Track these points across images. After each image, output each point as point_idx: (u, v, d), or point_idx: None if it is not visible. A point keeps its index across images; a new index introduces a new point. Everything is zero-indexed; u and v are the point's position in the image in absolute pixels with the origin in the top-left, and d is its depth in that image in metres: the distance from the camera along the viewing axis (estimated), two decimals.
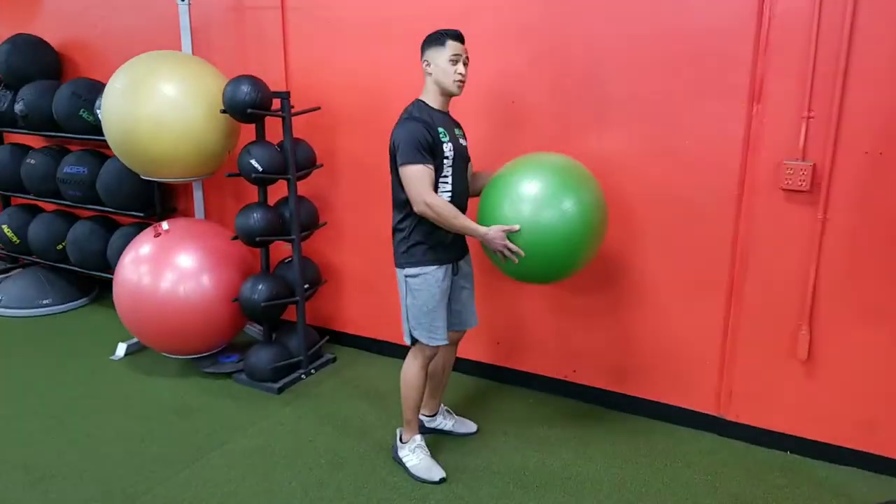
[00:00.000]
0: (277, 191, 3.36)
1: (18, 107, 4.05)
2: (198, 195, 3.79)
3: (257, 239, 3.15)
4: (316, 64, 3.49)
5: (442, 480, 2.59)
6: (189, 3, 3.53)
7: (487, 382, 3.39)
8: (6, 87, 4.23)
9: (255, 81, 3.07)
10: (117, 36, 4.07)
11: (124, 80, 3.11)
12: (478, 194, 2.61)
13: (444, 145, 2.45)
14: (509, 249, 2.36)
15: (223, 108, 3.06)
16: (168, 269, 3.27)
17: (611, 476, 2.65)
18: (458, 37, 2.45)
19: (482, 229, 2.38)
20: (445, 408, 2.96)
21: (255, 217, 3.15)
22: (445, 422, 2.93)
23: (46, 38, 4.31)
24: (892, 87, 2.39)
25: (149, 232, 3.38)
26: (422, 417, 2.91)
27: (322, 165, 3.43)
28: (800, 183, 2.56)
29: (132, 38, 3.90)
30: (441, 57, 2.41)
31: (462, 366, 3.44)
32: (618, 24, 2.78)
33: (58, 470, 2.69)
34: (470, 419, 2.99)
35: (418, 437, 2.68)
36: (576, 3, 2.84)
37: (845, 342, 2.63)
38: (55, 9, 4.35)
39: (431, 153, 2.40)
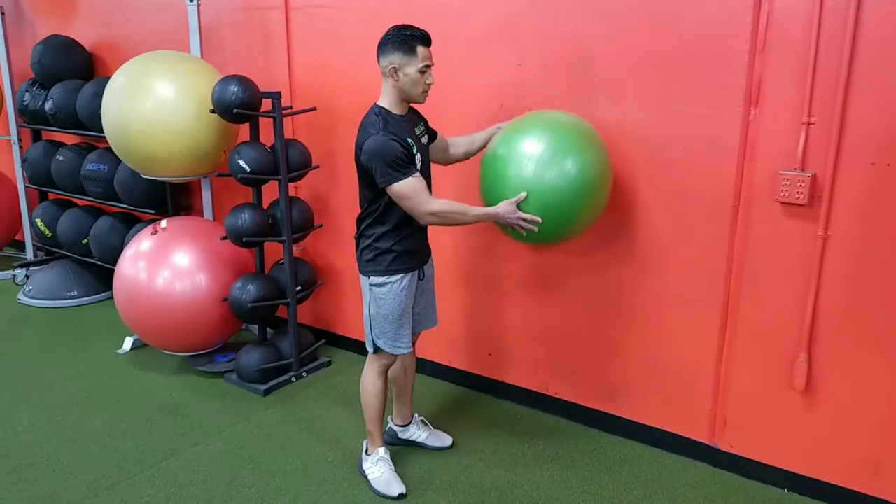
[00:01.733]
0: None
1: (48, 105, 4.22)
2: (206, 194, 3.83)
3: (244, 240, 3.14)
4: (318, 64, 3.46)
5: (400, 496, 2.50)
6: (198, 5, 3.57)
7: (474, 393, 3.27)
8: (40, 86, 4.42)
9: (243, 81, 3.07)
10: (142, 36, 4.16)
11: (121, 80, 3.17)
12: (463, 158, 2.66)
13: (416, 157, 2.33)
14: (524, 220, 2.30)
15: (212, 108, 3.07)
16: (164, 267, 3.31)
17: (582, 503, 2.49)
18: (428, 40, 2.28)
19: (492, 210, 2.33)
20: (421, 418, 2.87)
21: (244, 217, 3.15)
22: (419, 433, 2.83)
23: (81, 39, 4.48)
24: None
25: (148, 230, 3.44)
26: (395, 427, 2.83)
27: (318, 166, 3.40)
28: (797, 195, 2.32)
29: (156, 39, 3.98)
30: (411, 66, 2.24)
31: (449, 375, 3.35)
32: (607, 22, 2.61)
33: (34, 459, 2.76)
34: (448, 432, 2.88)
35: (381, 449, 2.60)
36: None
37: (847, 373, 2.38)
38: (89, 11, 4.51)
39: (412, 163, 2.30)
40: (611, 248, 2.77)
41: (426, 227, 2.46)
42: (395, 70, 2.25)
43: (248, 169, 3.06)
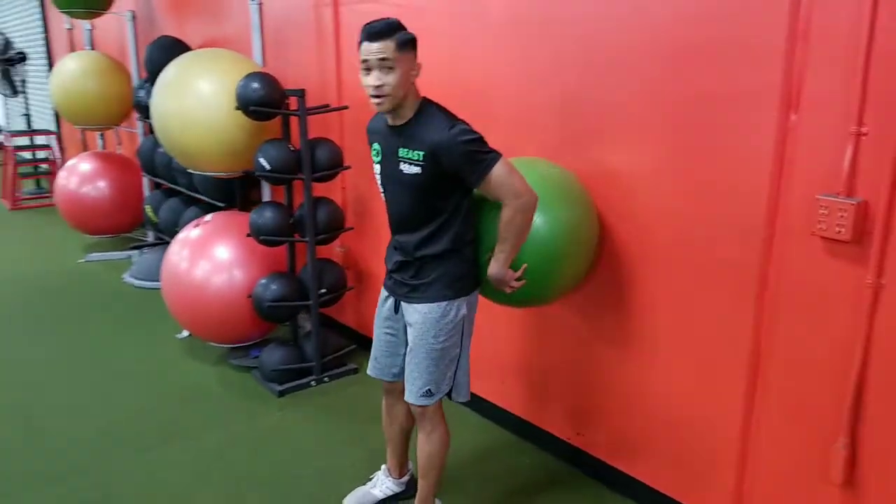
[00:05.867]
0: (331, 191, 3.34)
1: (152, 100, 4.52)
2: (265, 190, 3.86)
3: (261, 238, 3.10)
4: None
5: None
6: (259, 3, 3.60)
7: (478, 418, 2.96)
8: (151, 83, 4.75)
9: (266, 78, 3.02)
10: (233, 35, 4.32)
11: (167, 75, 3.28)
12: None
13: (375, 164, 2.13)
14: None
15: (237, 105, 3.05)
16: (202, 258, 3.38)
17: None
18: (371, 35, 1.86)
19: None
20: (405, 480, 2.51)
21: (266, 216, 3.11)
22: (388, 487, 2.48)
23: (190, 39, 4.75)
24: None
25: (194, 222, 3.54)
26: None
27: (349, 167, 3.28)
28: (837, 229, 1.76)
29: (239, 38, 4.11)
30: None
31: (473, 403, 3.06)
32: (627, 9, 2.20)
33: (37, 433, 2.92)
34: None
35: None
36: None
37: None
38: (197, 12, 4.78)
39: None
40: (629, 282, 2.34)
41: (397, 253, 2.18)
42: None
43: (267, 167, 3.01)
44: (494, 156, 1.92)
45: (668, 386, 2.30)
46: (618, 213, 2.33)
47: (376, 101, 1.92)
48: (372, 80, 1.89)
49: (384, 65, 1.87)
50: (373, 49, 1.87)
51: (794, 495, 2.00)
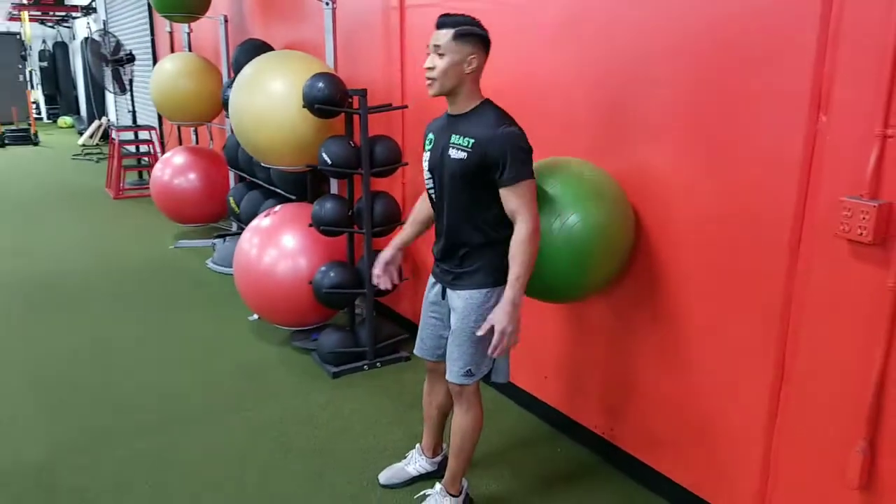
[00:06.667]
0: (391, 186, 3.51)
1: None
2: (333, 183, 4.10)
3: (321, 228, 3.31)
4: None
5: None
6: (333, 7, 3.83)
7: (529, 418, 3.05)
8: None
9: (330, 78, 3.21)
10: (312, 38, 4.59)
11: (244, 74, 3.55)
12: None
13: (424, 152, 2.25)
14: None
15: (304, 104, 3.27)
16: (270, 246, 3.63)
17: None
18: (437, 24, 2.08)
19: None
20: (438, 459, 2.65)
21: (326, 207, 3.32)
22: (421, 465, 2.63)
23: (275, 42, 5.07)
24: None
25: (265, 212, 3.80)
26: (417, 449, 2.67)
27: (407, 163, 3.44)
28: (859, 230, 1.76)
29: (317, 41, 4.36)
30: None
31: (509, 391, 3.16)
32: (663, 10, 2.25)
33: (125, 390, 3.25)
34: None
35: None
36: None
37: None
38: (282, 17, 5.09)
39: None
40: (661, 283, 2.38)
41: (443, 240, 2.24)
42: None
43: (329, 162, 3.22)
44: (532, 171, 2.06)
45: (696, 386, 2.32)
46: (651, 213, 2.38)
47: (427, 82, 2.10)
48: (428, 62, 2.08)
49: (437, 51, 2.06)
50: (435, 35, 2.08)
51: (815, 499, 1.99)
